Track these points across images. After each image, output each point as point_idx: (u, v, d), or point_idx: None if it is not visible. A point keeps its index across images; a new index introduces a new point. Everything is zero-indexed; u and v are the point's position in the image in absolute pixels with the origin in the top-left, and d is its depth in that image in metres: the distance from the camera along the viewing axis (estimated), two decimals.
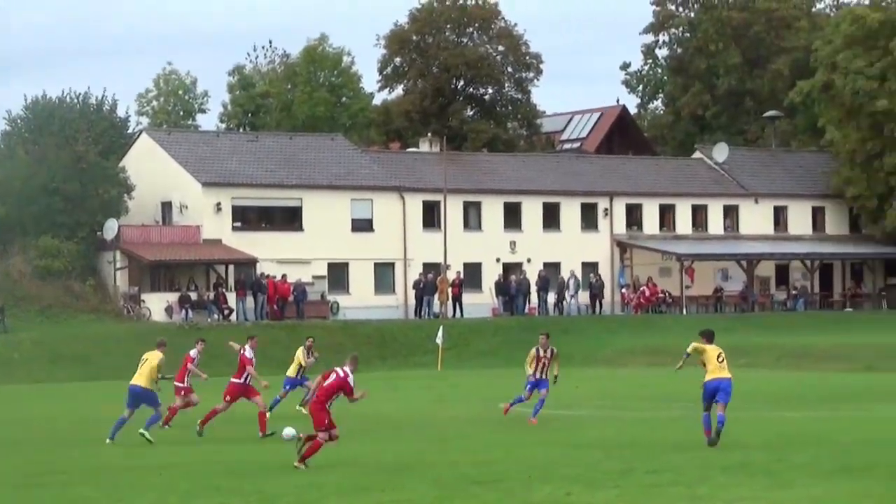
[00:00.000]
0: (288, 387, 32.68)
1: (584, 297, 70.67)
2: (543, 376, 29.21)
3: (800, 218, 79.90)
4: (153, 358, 26.06)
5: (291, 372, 32.85)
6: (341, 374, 20.88)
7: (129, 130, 76.84)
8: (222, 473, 20.45)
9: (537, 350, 29.28)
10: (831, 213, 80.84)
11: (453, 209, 69.62)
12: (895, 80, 74.66)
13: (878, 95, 74.72)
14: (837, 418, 29.09)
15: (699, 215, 78.11)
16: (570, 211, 74.03)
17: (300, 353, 32.77)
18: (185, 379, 29.58)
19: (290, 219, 68.85)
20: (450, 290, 67.01)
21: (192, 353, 29.69)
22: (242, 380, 26.93)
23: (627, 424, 29.50)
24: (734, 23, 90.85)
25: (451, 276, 67.83)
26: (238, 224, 67.05)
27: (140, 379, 25.97)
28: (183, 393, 29.53)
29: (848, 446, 22.38)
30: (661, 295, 71.59)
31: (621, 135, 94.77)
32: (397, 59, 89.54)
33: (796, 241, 78.34)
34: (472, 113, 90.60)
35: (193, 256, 64.86)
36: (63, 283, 63.37)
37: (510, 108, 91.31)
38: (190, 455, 23.82)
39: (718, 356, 22.41)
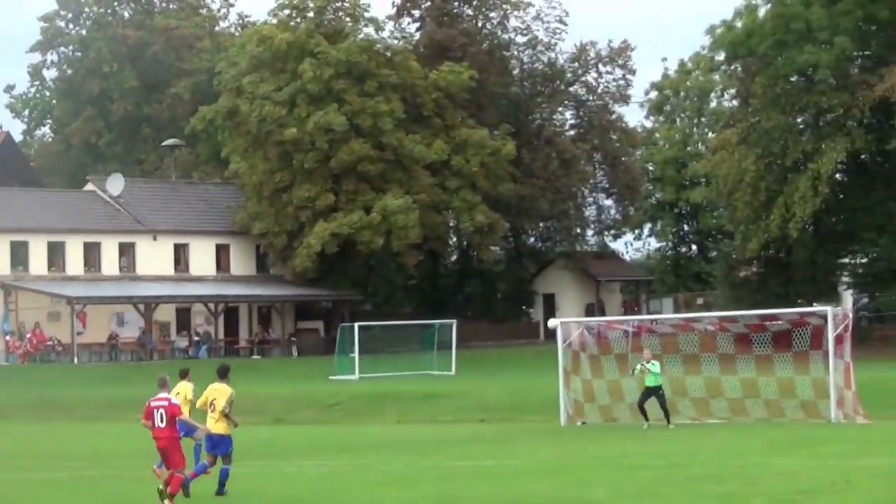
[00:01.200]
0: None
1: None
2: None
3: (203, 256, 76.71)
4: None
5: None
6: None
7: None
8: None
9: None
10: (237, 252, 78.20)
11: None
12: (304, 106, 72.52)
13: (287, 123, 72.56)
14: (248, 475, 24.82)
15: (92, 254, 73.83)
16: None
17: None
18: None
19: None
20: None
21: None
22: None
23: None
24: (130, 42, 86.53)
25: None
26: None
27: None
28: None
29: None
30: (49, 342, 68.09)
31: (4, 165, 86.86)
32: None
33: (199, 282, 75.08)
34: None
35: None
36: None
37: None
38: None
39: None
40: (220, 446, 21.99)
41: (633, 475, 23.43)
